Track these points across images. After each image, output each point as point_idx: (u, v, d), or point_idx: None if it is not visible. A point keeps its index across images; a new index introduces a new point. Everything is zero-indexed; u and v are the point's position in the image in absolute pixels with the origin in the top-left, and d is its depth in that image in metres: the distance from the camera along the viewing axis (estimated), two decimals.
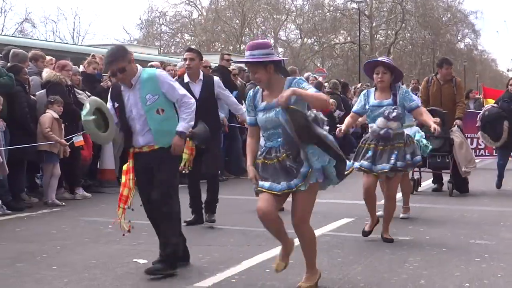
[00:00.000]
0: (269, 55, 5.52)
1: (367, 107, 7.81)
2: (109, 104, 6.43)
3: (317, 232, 7.76)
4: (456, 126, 11.65)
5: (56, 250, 7.23)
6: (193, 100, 6.39)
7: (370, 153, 7.66)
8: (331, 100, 15.04)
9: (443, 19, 53.71)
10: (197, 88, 8.54)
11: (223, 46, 57.08)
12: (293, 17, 57.40)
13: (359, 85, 26.14)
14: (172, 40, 61.35)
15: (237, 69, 14.64)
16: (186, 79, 8.58)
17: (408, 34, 52.92)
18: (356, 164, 7.56)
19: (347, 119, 8.11)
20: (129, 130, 6.34)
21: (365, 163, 7.65)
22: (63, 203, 10.28)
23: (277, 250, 6.91)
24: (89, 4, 68.21)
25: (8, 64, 10.08)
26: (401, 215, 9.32)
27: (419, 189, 12.10)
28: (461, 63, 53.77)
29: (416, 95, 15.90)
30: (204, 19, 58.71)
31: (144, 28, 60.35)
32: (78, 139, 10.44)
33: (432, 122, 7.66)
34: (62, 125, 10.37)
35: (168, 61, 17.42)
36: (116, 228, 6.71)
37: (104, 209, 9.81)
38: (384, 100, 7.71)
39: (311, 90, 5.42)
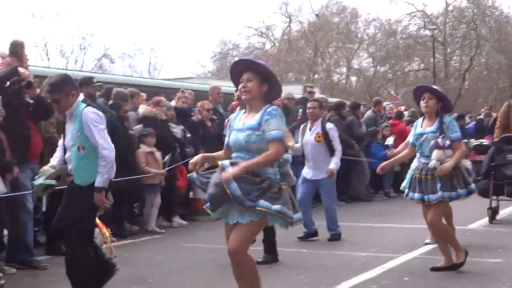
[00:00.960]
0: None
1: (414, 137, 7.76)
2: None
3: (411, 255, 8.22)
4: None
5: (165, 273, 7.76)
6: (108, 152, 6.27)
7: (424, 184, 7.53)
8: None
9: None
10: None
11: (296, 76, 57.61)
12: (365, 46, 57.54)
13: None
14: None
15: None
16: None
17: (483, 60, 52.51)
18: (421, 197, 7.53)
19: (405, 152, 8.00)
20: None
21: (417, 195, 7.61)
22: (163, 231, 10.87)
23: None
24: (164, 39, 69.69)
25: (110, 102, 10.75)
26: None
27: (497, 217, 11.92)
28: None
29: (488, 121, 15.95)
30: (277, 50, 59.30)
31: (218, 61, 61.30)
32: None
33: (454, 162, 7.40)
34: (159, 155, 10.94)
35: None
36: (218, 253, 7.18)
37: (202, 235, 10.37)
38: (428, 127, 7.61)
39: (272, 128, 5.17)
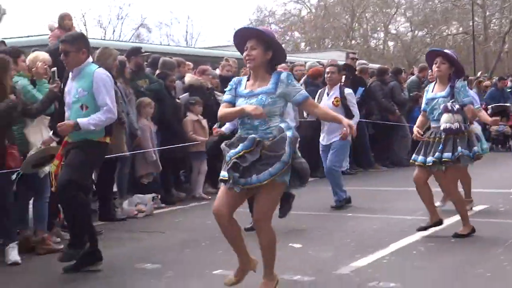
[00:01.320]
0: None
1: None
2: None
3: (454, 218, 8.34)
4: None
5: (215, 237, 7.92)
6: (111, 115, 6.33)
7: (441, 147, 7.47)
8: None
9: None
10: None
11: (333, 42, 57.37)
12: (403, 10, 56.97)
13: (479, 73, 26.10)
14: (282, 38, 61.85)
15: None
16: None
17: None
18: (428, 159, 7.51)
19: (420, 118, 7.94)
20: (63, 116, 6.53)
21: (421, 158, 7.62)
22: (209, 197, 11.09)
23: (426, 231, 7.54)
24: (200, 7, 69.71)
25: (157, 71, 10.94)
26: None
27: None
28: None
29: None
30: (314, 16, 58.99)
31: None
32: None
33: (490, 119, 7.52)
34: (205, 123, 11.13)
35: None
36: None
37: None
38: (438, 92, 7.58)
39: (299, 89, 5.36)
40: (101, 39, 38.58)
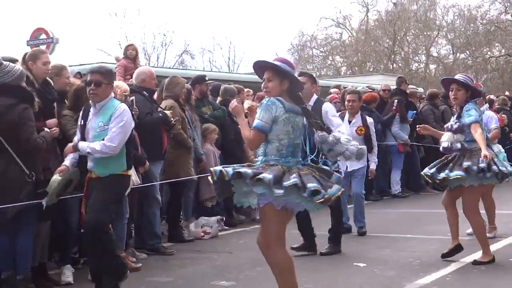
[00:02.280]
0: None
1: None
2: (79, 121, 6.65)
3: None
4: None
5: None
6: (108, 151, 6.30)
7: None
8: (503, 116, 15.52)
9: None
10: None
11: (374, 66, 57.59)
12: (444, 33, 57.03)
13: None
14: (324, 62, 62.28)
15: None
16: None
17: None
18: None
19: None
20: None
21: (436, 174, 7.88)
22: None
23: (479, 253, 7.84)
24: (242, 33, 70.51)
25: (219, 98, 11.43)
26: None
27: None
28: None
29: None
30: (355, 40, 59.31)
31: (296, 52, 61.62)
32: None
33: (484, 149, 7.38)
34: None
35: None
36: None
37: None
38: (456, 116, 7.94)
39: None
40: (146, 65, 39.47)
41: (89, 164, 6.45)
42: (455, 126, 7.74)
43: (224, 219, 10.64)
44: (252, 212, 11.70)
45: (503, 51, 53.75)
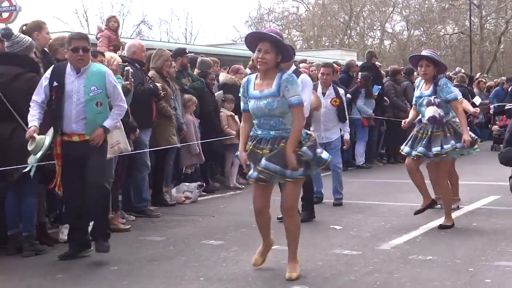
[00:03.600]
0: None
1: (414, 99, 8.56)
2: (44, 81, 6.65)
3: (474, 206, 9.42)
4: None
5: None
6: (125, 105, 6.92)
7: (424, 142, 8.30)
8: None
9: None
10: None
11: (330, 40, 58.20)
12: (399, 9, 57.81)
13: (478, 75, 27.12)
14: None
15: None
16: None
17: None
18: (413, 152, 8.38)
19: (412, 112, 8.82)
20: (61, 112, 6.59)
21: (421, 149, 8.32)
22: (242, 186, 12.07)
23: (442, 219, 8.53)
24: (200, 5, 70.61)
25: (196, 70, 11.92)
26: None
27: None
28: None
29: None
30: (311, 14, 59.77)
31: (253, 25, 61.88)
32: None
33: (472, 109, 8.12)
34: (237, 118, 12.11)
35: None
36: None
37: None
38: (425, 91, 8.32)
39: (291, 94, 5.77)
40: None
41: (75, 127, 6.60)
42: (437, 100, 8.18)
43: (204, 185, 11.18)
44: (225, 180, 12.30)
45: (456, 28, 54.83)
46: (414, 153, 8.42)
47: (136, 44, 9.66)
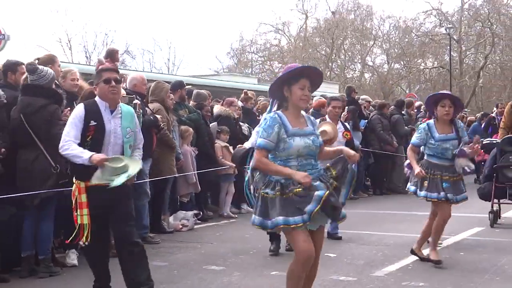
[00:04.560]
0: None
1: (431, 141, 8.01)
2: (80, 122, 6.11)
3: (460, 237, 9.86)
4: None
5: (259, 248, 9.27)
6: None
7: (447, 185, 8.02)
8: None
9: None
10: None
11: None
12: (380, 43, 58.65)
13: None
14: (262, 67, 63.23)
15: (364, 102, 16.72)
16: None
17: (498, 57, 53.78)
18: (437, 195, 7.99)
19: (412, 154, 8.25)
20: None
21: (449, 195, 8.00)
22: (236, 215, 12.45)
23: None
24: (183, 35, 71.29)
25: (192, 102, 12.33)
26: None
27: (499, 221, 11.64)
28: None
29: (500, 119, 15.77)
30: (293, 47, 60.48)
31: (235, 57, 62.47)
32: None
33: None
34: (232, 149, 12.50)
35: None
36: None
37: None
38: (448, 134, 7.99)
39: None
40: (86, 64, 39.70)
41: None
42: (469, 151, 7.99)
43: (200, 213, 11.56)
44: (218, 208, 12.68)
45: (435, 63, 55.70)
46: (442, 195, 8.03)
47: (137, 77, 10.06)
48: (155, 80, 13.14)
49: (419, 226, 9.82)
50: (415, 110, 19.33)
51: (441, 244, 9.07)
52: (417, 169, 8.02)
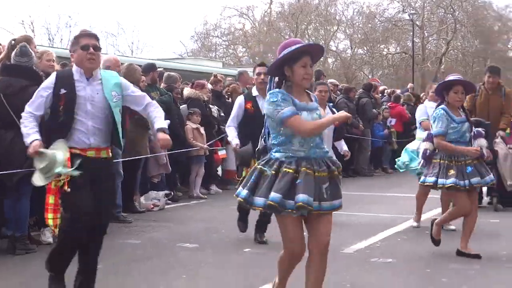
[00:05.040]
0: None
1: (452, 124, 7.71)
2: (45, 91, 5.68)
3: (425, 216, 10.13)
4: (499, 137, 11.24)
5: (230, 226, 9.39)
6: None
7: (471, 168, 7.71)
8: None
9: (494, 28, 55.15)
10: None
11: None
12: (343, 28, 58.97)
13: (422, 95, 28.13)
14: (226, 51, 63.25)
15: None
16: (255, 92, 8.72)
17: (459, 44, 54.44)
18: (465, 182, 7.61)
19: (445, 144, 7.75)
20: (70, 124, 5.57)
21: (474, 179, 7.66)
22: (205, 196, 12.64)
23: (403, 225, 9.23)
24: (147, 19, 70.94)
25: (163, 84, 12.46)
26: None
27: None
28: None
29: None
30: (257, 31, 60.57)
31: (199, 41, 62.38)
32: (222, 152, 12.94)
33: None
34: (203, 131, 12.70)
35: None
36: None
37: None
38: (461, 116, 7.80)
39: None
40: (49, 46, 39.39)
41: (92, 141, 5.63)
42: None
43: (171, 194, 11.73)
44: (188, 189, 12.86)
45: (398, 48, 56.20)
46: (474, 180, 7.69)
47: (111, 59, 10.13)
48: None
49: (386, 207, 10.20)
50: (380, 94, 19.66)
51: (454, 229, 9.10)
52: (471, 148, 7.74)
